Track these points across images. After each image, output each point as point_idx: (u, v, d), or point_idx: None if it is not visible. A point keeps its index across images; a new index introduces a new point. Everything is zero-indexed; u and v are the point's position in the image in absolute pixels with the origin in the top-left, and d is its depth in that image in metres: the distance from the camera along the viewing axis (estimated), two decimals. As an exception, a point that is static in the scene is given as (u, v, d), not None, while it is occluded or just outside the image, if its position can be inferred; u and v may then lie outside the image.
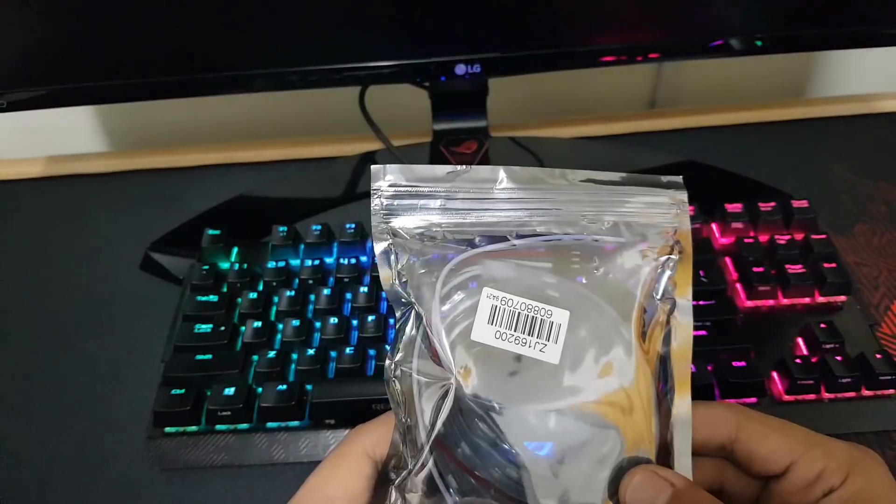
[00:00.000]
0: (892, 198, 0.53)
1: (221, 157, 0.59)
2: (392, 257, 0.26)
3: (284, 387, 0.39)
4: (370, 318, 0.41)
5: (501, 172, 0.27)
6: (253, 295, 0.43)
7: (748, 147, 0.58)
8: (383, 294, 0.43)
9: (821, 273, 0.43)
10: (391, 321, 0.42)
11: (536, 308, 0.25)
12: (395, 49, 0.46)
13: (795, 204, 0.47)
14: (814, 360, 0.39)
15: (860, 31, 0.47)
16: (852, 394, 0.39)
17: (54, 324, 0.47)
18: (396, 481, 0.25)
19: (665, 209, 0.27)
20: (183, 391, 0.39)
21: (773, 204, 0.47)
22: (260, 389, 0.39)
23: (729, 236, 0.47)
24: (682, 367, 0.26)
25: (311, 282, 0.44)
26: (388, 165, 0.27)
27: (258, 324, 0.42)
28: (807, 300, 0.43)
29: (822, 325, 0.41)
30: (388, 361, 0.26)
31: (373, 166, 0.27)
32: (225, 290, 0.44)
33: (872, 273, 0.47)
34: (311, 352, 0.40)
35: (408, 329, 0.26)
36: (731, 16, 0.46)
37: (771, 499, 0.26)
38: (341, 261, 0.45)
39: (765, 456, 0.25)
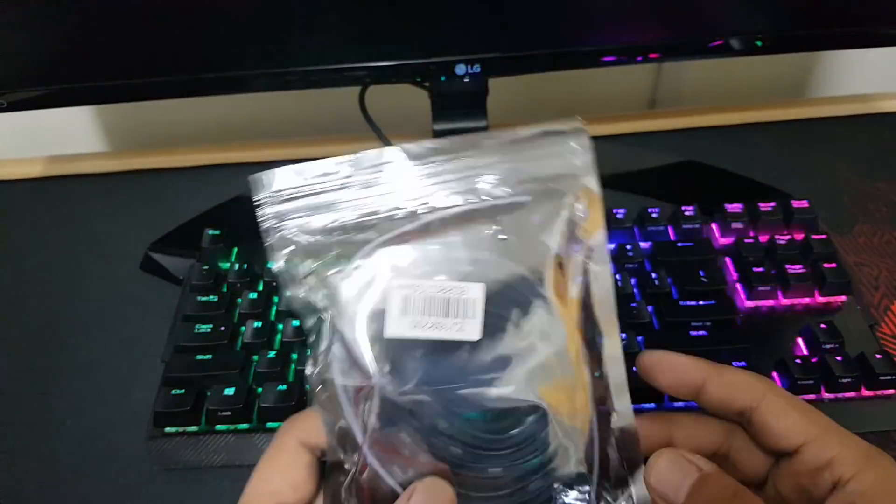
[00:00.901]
0: (892, 198, 0.53)
1: (221, 158, 0.59)
2: (295, 266, 0.25)
3: (284, 387, 0.39)
4: (370, 318, 0.41)
5: (391, 152, 0.26)
6: (253, 295, 0.43)
7: (748, 147, 0.58)
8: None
9: (821, 273, 0.43)
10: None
11: (448, 288, 0.25)
12: (395, 49, 0.46)
13: (795, 204, 0.47)
14: (814, 360, 0.39)
15: (860, 31, 0.47)
16: (852, 394, 0.39)
17: (54, 324, 0.47)
18: (345, 483, 0.25)
19: (568, 156, 0.27)
20: (183, 391, 0.39)
21: (773, 204, 0.47)
22: (260, 389, 0.39)
23: (729, 236, 0.47)
24: (607, 312, 0.26)
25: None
26: (269, 171, 0.26)
27: (258, 324, 0.42)
28: (807, 300, 0.43)
29: (822, 325, 0.41)
30: (308, 370, 0.25)
31: (251, 176, 0.26)
32: (225, 290, 0.44)
33: (872, 273, 0.47)
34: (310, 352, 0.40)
35: (323, 336, 0.25)
36: (731, 16, 0.46)
37: (780, 478, 0.26)
38: (341, 261, 0.45)
39: (779, 430, 0.25)
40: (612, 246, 0.45)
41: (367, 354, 0.24)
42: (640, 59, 0.47)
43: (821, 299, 0.43)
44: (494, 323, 0.25)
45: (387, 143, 0.54)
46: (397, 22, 0.45)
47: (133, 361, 0.44)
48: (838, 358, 0.39)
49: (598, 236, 0.26)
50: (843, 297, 0.43)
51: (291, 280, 0.25)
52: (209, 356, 0.41)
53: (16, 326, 0.47)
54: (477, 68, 0.46)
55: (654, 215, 0.47)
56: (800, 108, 0.61)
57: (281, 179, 0.26)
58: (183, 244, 0.50)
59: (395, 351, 0.24)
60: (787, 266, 0.43)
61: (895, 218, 0.51)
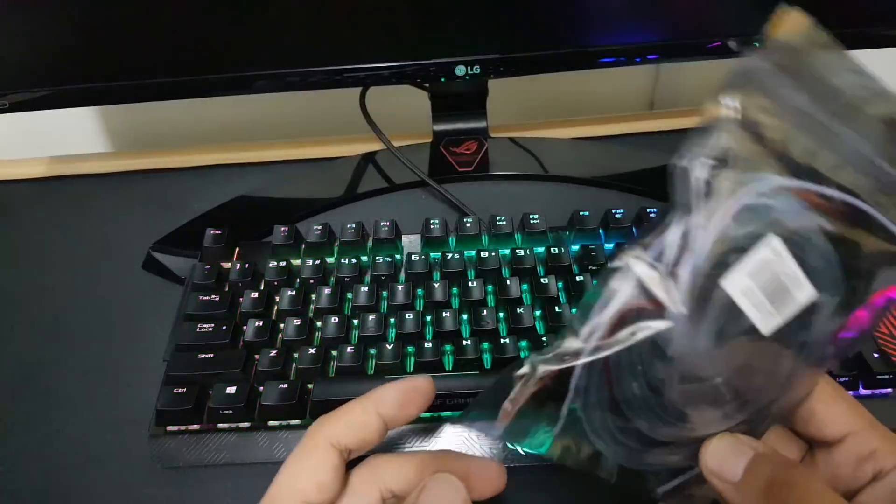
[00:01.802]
0: (890, 198, 0.53)
1: (223, 158, 0.60)
2: (714, 135, 0.22)
3: (286, 385, 0.39)
4: (371, 317, 0.41)
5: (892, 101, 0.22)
6: (254, 294, 0.43)
7: (747, 147, 0.58)
8: (384, 293, 0.43)
9: (819, 273, 0.43)
10: (391, 321, 0.42)
11: (793, 277, 0.22)
12: (395, 50, 0.46)
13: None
14: (812, 359, 0.40)
15: (860, 31, 0.47)
16: (850, 393, 0.39)
17: (56, 323, 0.48)
18: (547, 355, 0.23)
19: None
20: (185, 390, 0.39)
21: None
22: (261, 388, 0.40)
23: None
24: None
25: (312, 281, 0.44)
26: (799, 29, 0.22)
27: (260, 323, 0.42)
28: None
29: (820, 325, 0.41)
30: (629, 253, 0.23)
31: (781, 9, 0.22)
32: (227, 289, 0.45)
33: (870, 273, 0.47)
34: (312, 351, 0.40)
35: (669, 231, 0.22)
36: (730, 16, 0.46)
37: (815, 467, 0.26)
38: (342, 260, 0.45)
39: (827, 418, 0.25)
40: (610, 246, 0.46)
41: (684, 283, 0.22)
42: (638, 59, 0.48)
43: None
44: (785, 338, 0.23)
45: (388, 143, 0.54)
46: (397, 23, 0.45)
47: (135, 360, 0.45)
48: (836, 357, 0.39)
49: None
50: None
51: (696, 149, 0.22)
52: (211, 355, 0.41)
53: (16, 326, 0.48)
54: (477, 69, 0.47)
55: (653, 215, 0.47)
56: (798, 109, 0.61)
57: (802, 48, 0.22)
58: (185, 244, 0.50)
59: (705, 303, 0.22)
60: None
61: (893, 218, 0.51)
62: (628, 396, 0.23)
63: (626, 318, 0.23)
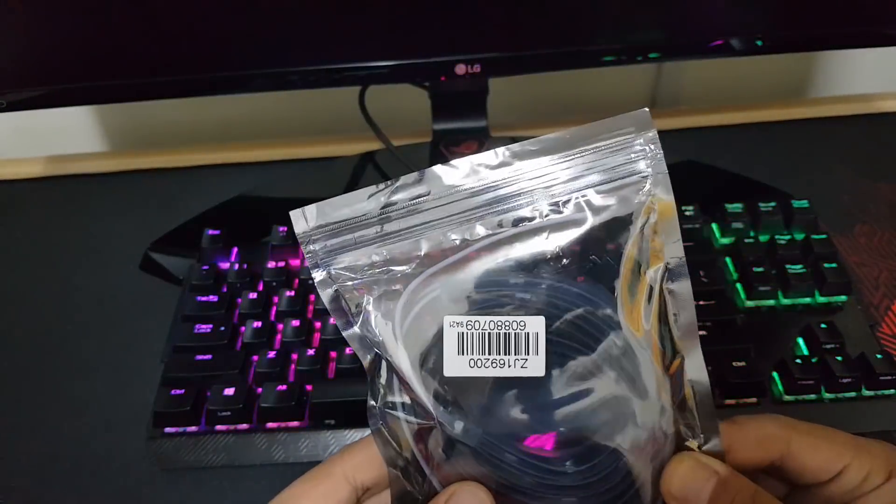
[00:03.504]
0: (892, 198, 0.53)
1: (221, 158, 0.59)
2: (343, 303, 0.24)
3: (284, 387, 0.39)
4: (370, 318, 0.41)
5: (432, 175, 0.24)
6: (253, 295, 0.43)
7: (748, 147, 0.58)
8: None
9: (821, 273, 0.43)
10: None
11: (507, 323, 0.23)
12: (394, 49, 0.46)
13: (796, 204, 0.47)
14: (814, 360, 0.39)
15: (860, 31, 0.47)
16: (853, 394, 0.39)
17: (54, 324, 0.47)
18: None
19: (635, 159, 0.24)
20: (183, 391, 0.39)
21: (773, 204, 0.47)
22: (260, 390, 0.39)
23: (729, 236, 0.47)
24: (689, 333, 0.24)
25: (311, 282, 0.44)
26: (306, 207, 0.25)
27: (258, 324, 0.42)
28: (807, 300, 0.43)
29: (823, 326, 0.41)
30: (370, 402, 0.24)
31: (291, 212, 0.25)
32: (225, 290, 0.44)
33: (873, 273, 0.47)
34: (311, 352, 0.40)
35: (382, 371, 0.24)
36: (731, 16, 0.46)
37: (805, 499, 0.26)
38: (341, 261, 0.45)
39: (818, 466, 0.25)
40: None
41: (425, 393, 0.24)
42: (640, 59, 0.47)
43: (821, 299, 0.43)
44: (562, 354, 0.23)
45: (387, 143, 0.54)
46: (397, 22, 0.45)
47: (133, 361, 0.44)
48: (838, 358, 0.39)
49: (674, 248, 0.24)
50: (844, 298, 0.43)
51: (342, 317, 0.24)
52: (209, 356, 0.41)
53: (16, 326, 0.47)
54: (477, 68, 0.46)
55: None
56: (800, 108, 0.61)
57: (321, 214, 0.24)
58: (182, 244, 0.50)
59: (456, 388, 0.23)
60: (787, 266, 0.43)
61: (895, 218, 0.51)
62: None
63: (423, 439, 0.24)
